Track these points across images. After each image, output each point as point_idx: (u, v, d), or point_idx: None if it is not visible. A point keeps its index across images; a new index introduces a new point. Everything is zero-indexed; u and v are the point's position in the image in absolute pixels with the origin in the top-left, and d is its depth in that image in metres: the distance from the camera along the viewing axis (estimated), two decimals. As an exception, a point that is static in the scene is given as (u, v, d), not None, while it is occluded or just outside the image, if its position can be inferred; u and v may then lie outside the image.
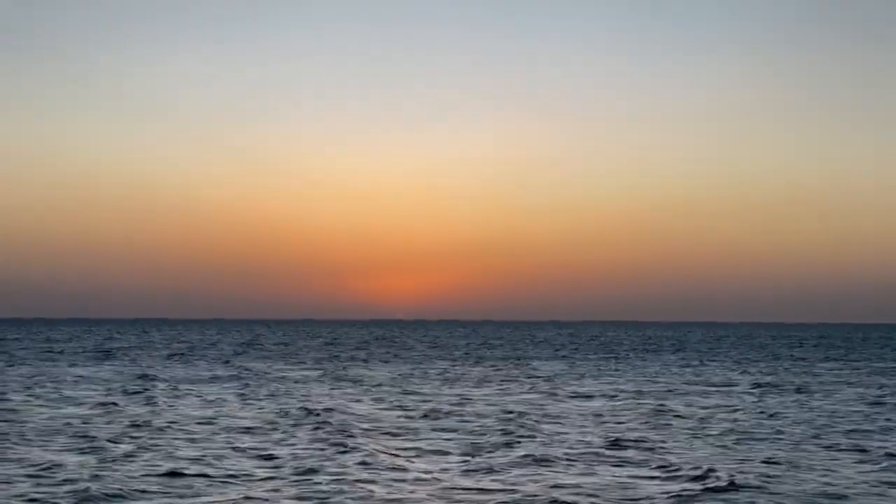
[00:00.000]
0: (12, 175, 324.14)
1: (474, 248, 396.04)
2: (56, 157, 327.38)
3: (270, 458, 25.45)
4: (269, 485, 21.64)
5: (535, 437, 29.90)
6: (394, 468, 23.76)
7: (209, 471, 23.31)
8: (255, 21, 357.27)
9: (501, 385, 52.56)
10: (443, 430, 31.73)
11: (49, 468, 23.57)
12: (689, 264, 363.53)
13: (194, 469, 23.25)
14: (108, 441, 28.00)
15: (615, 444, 28.57)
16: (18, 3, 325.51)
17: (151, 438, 28.84)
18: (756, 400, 44.64)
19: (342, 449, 26.67)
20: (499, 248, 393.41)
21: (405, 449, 27.26)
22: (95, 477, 22.26)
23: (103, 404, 38.82)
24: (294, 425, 32.30)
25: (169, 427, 31.40)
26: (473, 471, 23.74)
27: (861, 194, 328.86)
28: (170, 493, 20.79)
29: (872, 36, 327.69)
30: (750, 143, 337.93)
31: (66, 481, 21.91)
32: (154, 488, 21.13)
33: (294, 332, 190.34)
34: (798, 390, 50.40)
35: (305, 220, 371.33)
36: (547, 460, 25.26)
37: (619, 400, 43.83)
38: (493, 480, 22.53)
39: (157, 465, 23.81)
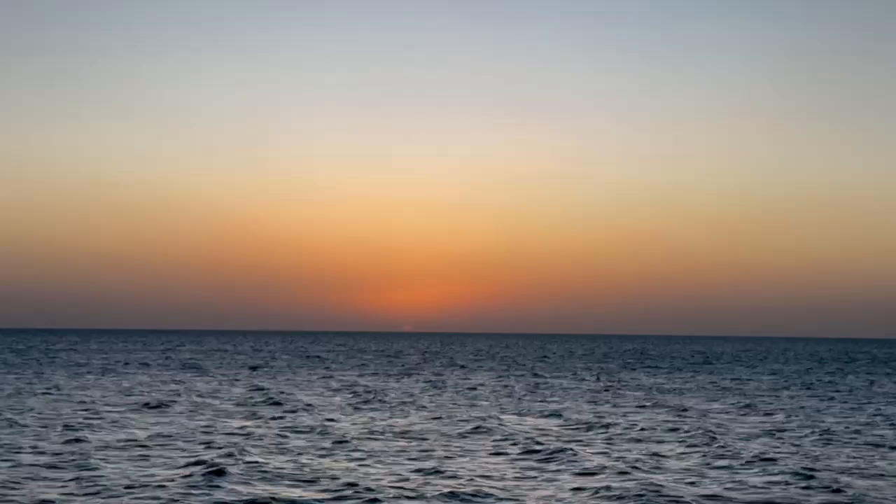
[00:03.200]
0: (23, 183, 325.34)
1: (483, 260, 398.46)
2: (68, 167, 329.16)
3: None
4: None
5: None
6: None
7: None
8: (268, 34, 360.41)
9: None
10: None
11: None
12: (699, 275, 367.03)
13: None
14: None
15: None
16: (33, 12, 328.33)
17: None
18: None
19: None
20: (508, 261, 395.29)
21: None
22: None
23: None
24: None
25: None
26: None
27: (858, 203, 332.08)
28: None
29: (875, 39, 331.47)
30: (748, 155, 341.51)
31: None
32: None
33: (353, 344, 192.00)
34: None
35: (315, 231, 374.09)
36: None
37: None
38: None
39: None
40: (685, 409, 45.24)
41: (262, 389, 53.74)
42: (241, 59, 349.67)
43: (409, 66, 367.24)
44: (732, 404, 48.63)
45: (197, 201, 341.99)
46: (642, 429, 35.81)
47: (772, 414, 43.33)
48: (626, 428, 36.16)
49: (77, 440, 29.61)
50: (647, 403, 48.49)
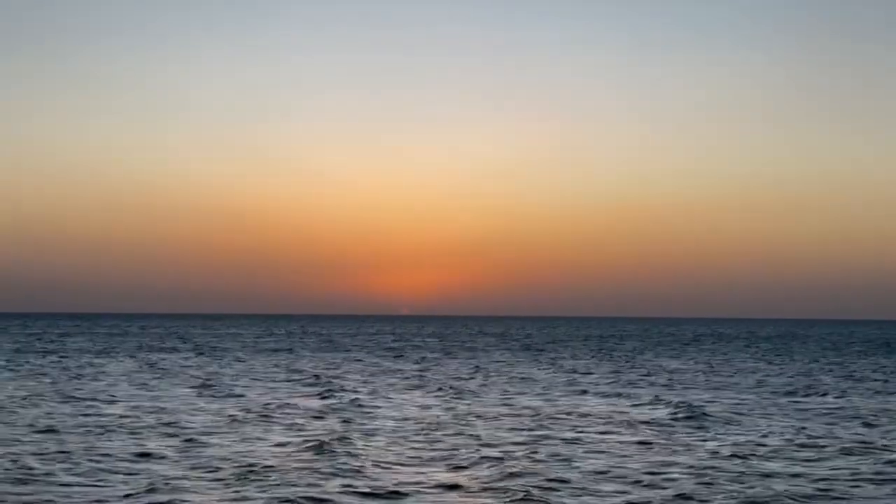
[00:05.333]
0: (27, 174, 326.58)
1: (478, 245, 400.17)
2: (67, 158, 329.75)
3: None
4: None
5: None
6: None
7: None
8: (266, 22, 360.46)
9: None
10: None
11: None
12: (687, 262, 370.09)
13: None
14: None
15: None
16: (33, 5, 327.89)
17: None
18: None
19: None
20: (502, 246, 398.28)
21: None
22: None
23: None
24: None
25: None
26: None
27: (861, 192, 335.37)
28: None
29: (872, 35, 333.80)
30: (749, 143, 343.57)
31: None
32: None
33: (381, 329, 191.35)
34: None
35: (313, 217, 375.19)
36: None
37: None
38: None
39: None
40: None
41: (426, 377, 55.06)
42: (239, 48, 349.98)
43: (407, 55, 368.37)
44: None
45: (196, 189, 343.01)
46: None
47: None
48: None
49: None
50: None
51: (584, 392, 45.21)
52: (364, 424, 31.40)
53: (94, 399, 39.11)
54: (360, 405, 37.46)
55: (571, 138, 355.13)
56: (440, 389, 45.59)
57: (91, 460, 23.57)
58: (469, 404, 38.45)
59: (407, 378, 53.60)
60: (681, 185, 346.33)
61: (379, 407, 37.13)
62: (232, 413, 34.27)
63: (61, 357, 71.79)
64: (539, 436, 28.94)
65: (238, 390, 44.11)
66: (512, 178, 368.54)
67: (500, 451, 25.53)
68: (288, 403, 38.13)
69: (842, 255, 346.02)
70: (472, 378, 54.02)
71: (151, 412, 34.31)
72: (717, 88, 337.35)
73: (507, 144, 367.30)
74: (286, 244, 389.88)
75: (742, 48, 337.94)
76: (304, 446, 25.97)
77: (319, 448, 25.52)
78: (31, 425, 30.10)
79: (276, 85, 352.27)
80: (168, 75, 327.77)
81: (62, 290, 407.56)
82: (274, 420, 32.52)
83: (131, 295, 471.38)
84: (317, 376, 53.55)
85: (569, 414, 35.42)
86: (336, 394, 42.18)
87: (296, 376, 53.97)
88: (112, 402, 37.78)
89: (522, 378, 54.15)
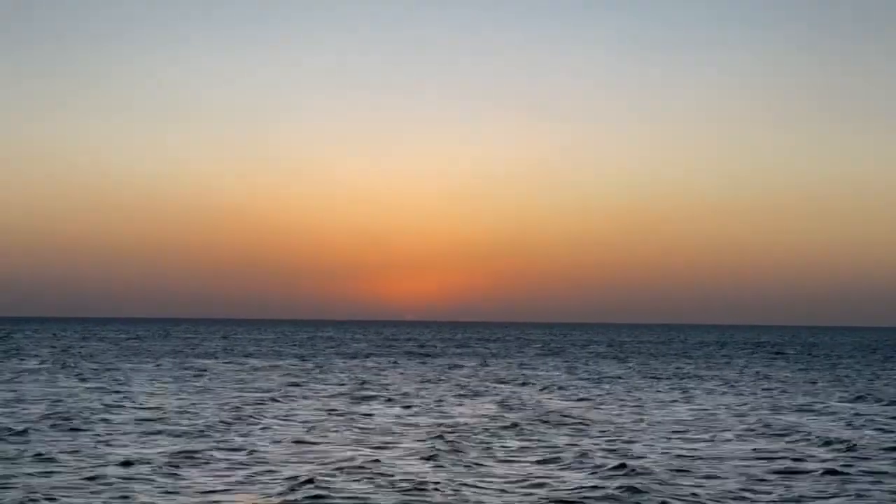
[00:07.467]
0: (28, 176, 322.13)
1: (482, 249, 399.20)
2: (71, 160, 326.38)
3: None
4: None
5: None
6: None
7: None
8: (269, 25, 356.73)
9: None
10: None
11: None
12: (694, 265, 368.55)
13: None
14: None
15: None
16: (33, 5, 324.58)
17: None
18: None
19: None
20: (507, 250, 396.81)
21: None
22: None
23: None
24: None
25: None
26: None
27: (861, 194, 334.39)
28: None
29: (873, 35, 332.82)
30: (751, 144, 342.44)
31: None
32: None
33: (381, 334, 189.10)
34: None
35: (312, 217, 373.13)
36: None
37: None
38: None
39: None
40: None
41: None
42: (239, 48, 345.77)
43: (407, 54, 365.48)
44: None
45: (196, 189, 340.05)
46: None
47: None
48: None
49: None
50: None
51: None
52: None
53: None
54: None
55: (571, 138, 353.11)
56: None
57: None
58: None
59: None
60: (680, 186, 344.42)
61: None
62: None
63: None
64: None
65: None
66: (512, 178, 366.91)
67: None
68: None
69: (842, 255, 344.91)
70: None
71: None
72: (717, 88, 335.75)
73: (508, 145, 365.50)
74: (285, 244, 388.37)
75: (742, 48, 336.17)
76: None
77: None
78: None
79: (276, 85, 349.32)
80: (168, 75, 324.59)
81: (60, 291, 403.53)
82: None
83: (129, 297, 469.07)
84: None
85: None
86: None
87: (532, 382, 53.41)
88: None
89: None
